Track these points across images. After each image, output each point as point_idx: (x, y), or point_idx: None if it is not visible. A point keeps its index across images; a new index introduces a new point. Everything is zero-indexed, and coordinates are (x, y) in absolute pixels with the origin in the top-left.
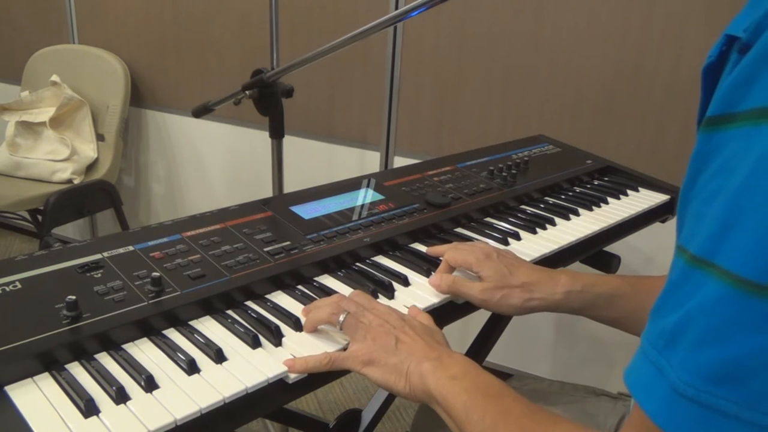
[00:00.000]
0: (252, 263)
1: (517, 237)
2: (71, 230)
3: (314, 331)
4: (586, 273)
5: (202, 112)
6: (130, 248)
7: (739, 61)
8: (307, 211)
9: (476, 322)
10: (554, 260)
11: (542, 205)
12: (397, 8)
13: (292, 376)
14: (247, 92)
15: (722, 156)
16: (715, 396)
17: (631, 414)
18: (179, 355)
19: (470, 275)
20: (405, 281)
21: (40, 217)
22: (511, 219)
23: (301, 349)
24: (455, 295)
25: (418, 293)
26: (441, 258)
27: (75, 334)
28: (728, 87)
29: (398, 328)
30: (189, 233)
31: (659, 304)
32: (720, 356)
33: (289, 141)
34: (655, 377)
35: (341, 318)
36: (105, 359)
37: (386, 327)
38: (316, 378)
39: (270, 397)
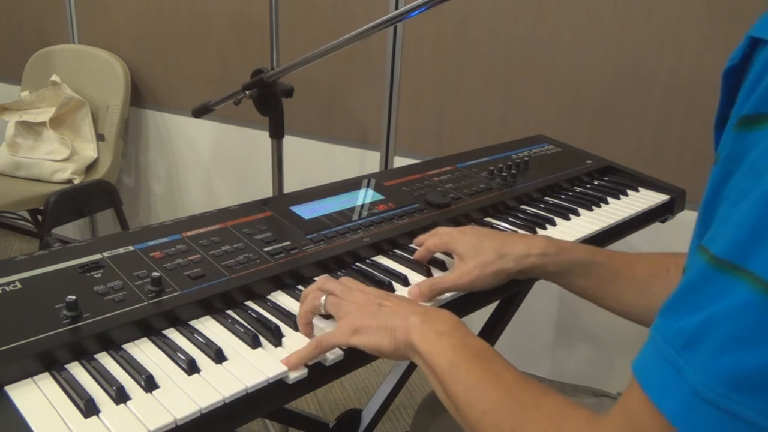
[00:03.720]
0: (252, 263)
1: None
2: (71, 230)
3: (310, 331)
4: (562, 240)
5: (202, 112)
6: (130, 248)
7: None
8: (307, 211)
9: (478, 320)
10: None
11: (542, 205)
12: (397, 8)
13: (292, 376)
14: (247, 92)
15: (752, 156)
16: (735, 402)
17: (623, 400)
18: (179, 355)
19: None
20: (405, 281)
21: (40, 217)
22: (511, 219)
23: None
24: (439, 294)
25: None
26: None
27: (75, 334)
28: (766, 87)
29: (381, 297)
30: (189, 233)
31: (674, 301)
32: (743, 363)
33: (289, 141)
34: (673, 377)
35: (322, 300)
36: (105, 359)
37: (369, 298)
38: (316, 378)
39: (270, 397)
